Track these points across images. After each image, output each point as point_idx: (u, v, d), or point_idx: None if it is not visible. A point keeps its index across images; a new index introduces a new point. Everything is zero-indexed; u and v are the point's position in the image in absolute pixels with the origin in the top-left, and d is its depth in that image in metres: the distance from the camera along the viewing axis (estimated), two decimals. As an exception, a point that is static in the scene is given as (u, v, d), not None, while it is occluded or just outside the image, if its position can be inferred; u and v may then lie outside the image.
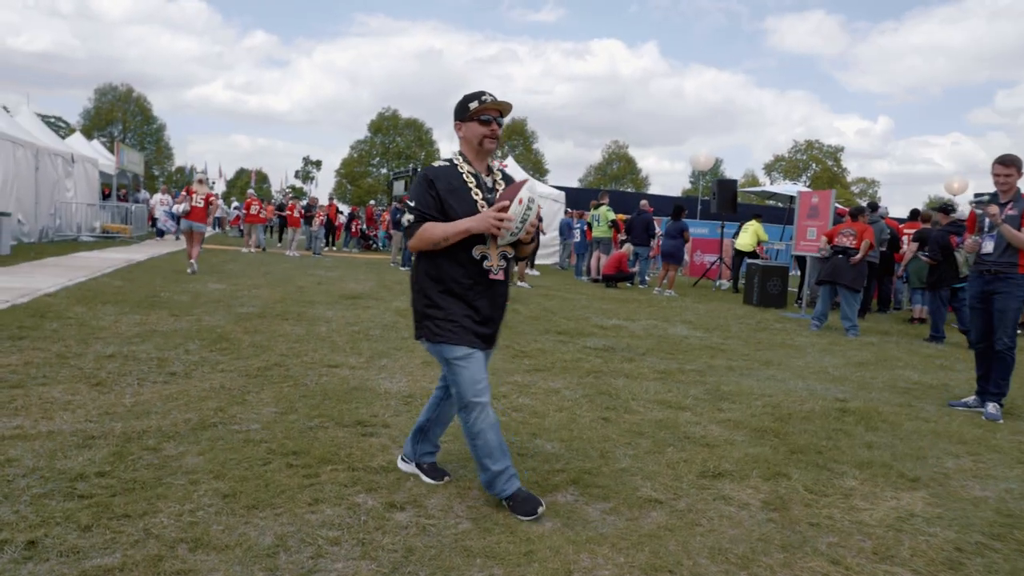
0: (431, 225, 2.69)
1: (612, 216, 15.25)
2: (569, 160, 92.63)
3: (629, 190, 56.38)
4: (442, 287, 2.76)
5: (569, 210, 20.22)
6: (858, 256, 9.03)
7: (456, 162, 2.83)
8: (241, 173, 66.76)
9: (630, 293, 13.33)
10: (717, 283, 15.78)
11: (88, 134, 39.27)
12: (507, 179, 2.94)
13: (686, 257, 16.64)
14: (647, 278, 15.30)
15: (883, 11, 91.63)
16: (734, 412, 4.65)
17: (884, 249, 11.37)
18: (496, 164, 3.00)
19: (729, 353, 7.10)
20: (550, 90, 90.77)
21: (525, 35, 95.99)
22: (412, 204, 2.74)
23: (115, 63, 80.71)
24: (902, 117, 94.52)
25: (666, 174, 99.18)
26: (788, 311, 11.61)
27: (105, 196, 23.84)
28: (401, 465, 3.19)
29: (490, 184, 2.84)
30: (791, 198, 16.71)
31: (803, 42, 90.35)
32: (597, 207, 15.41)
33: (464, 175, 2.78)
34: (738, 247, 15.01)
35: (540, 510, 2.72)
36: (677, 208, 14.13)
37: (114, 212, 22.85)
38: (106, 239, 19.50)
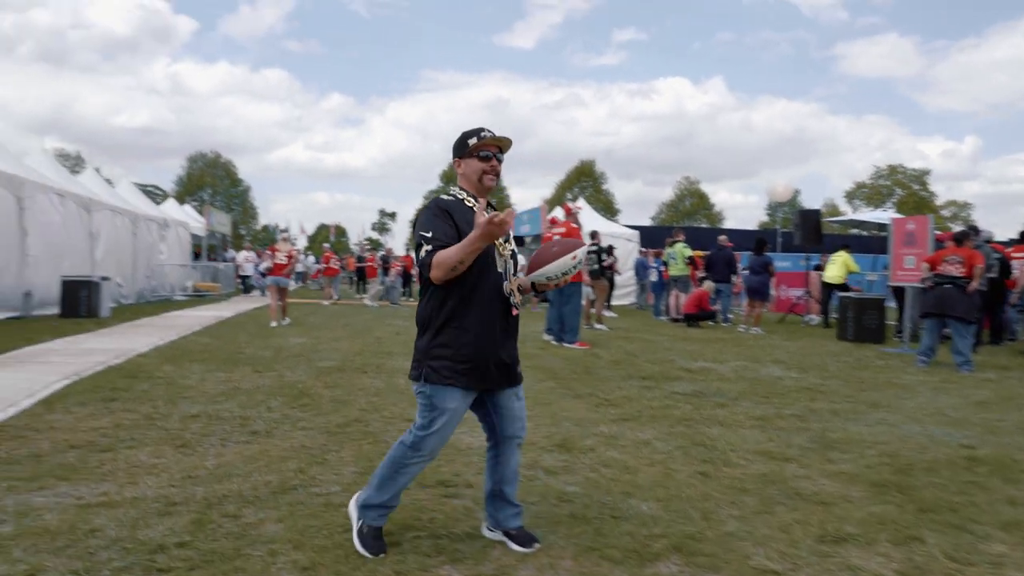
0: (445, 251, 2.55)
1: (688, 253, 14.82)
2: (638, 199, 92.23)
3: (703, 226, 55.27)
4: (457, 324, 2.64)
5: (644, 249, 19.86)
6: (973, 284, 8.31)
7: (461, 196, 2.75)
8: (321, 228, 69.42)
9: (714, 332, 12.80)
10: (805, 318, 14.99)
11: (181, 199, 41.84)
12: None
13: (772, 292, 15.95)
14: (730, 316, 14.70)
15: (962, 29, 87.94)
16: (846, 463, 4.22)
17: (994, 275, 10.50)
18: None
19: (830, 395, 6.58)
20: (616, 131, 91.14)
21: (589, 79, 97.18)
22: (429, 235, 2.58)
23: (206, 132, 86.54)
24: (991, 135, 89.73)
25: (739, 208, 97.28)
26: (888, 346, 10.83)
27: (196, 256, 25.15)
28: (486, 533, 2.98)
29: None
30: (881, 226, 15.83)
31: (876, 66, 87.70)
32: (672, 244, 15.02)
33: (475, 210, 2.60)
34: (826, 280, 14.25)
35: (381, 555, 2.69)
36: (759, 242, 13.60)
37: (204, 271, 24.03)
38: (197, 297, 20.45)
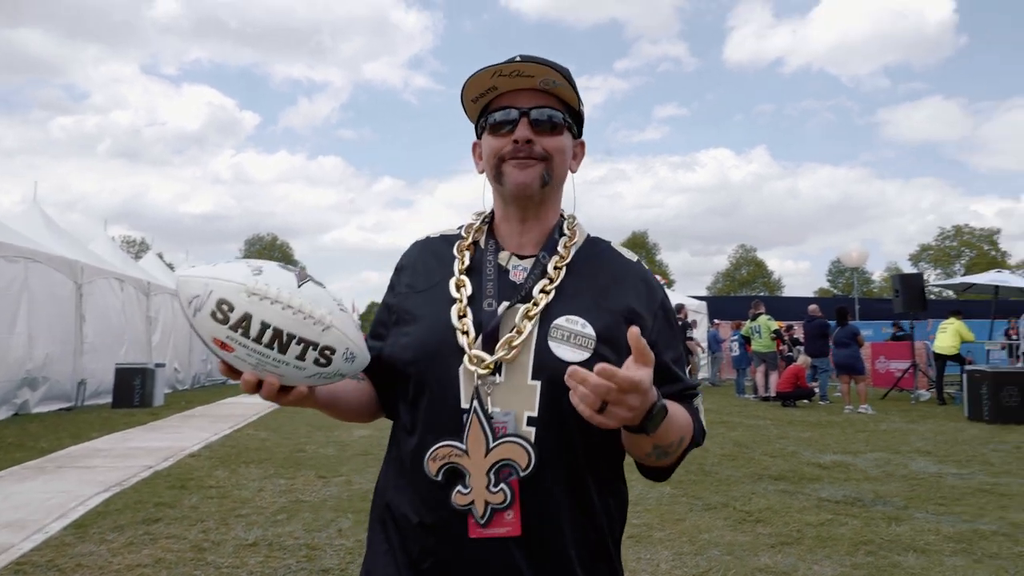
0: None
1: (775, 326, 13.57)
2: (687, 269, 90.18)
3: (762, 294, 53.39)
4: (381, 528, 1.26)
5: (717, 321, 18.64)
6: None
7: (471, 224, 1.35)
8: (372, 306, 69.88)
9: (818, 414, 11.40)
10: (914, 394, 13.41)
11: (238, 281, 42.40)
12: (600, 256, 1.29)
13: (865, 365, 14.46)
14: (826, 394, 13.26)
15: (1006, 89, 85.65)
16: None
17: None
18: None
19: (1018, 498, 5.28)
20: (661, 203, 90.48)
21: (632, 154, 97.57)
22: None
23: (264, 216, 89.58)
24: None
25: (791, 275, 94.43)
26: (1036, 428, 9.30)
27: (252, 339, 24.86)
28: None
29: (519, 276, 1.23)
30: (996, 288, 14.36)
31: (922, 129, 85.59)
32: (755, 317, 13.80)
33: (459, 251, 1.29)
34: (938, 350, 12.78)
35: None
36: (841, 312, 12.34)
37: (260, 353, 23.62)
38: (252, 381, 19.89)
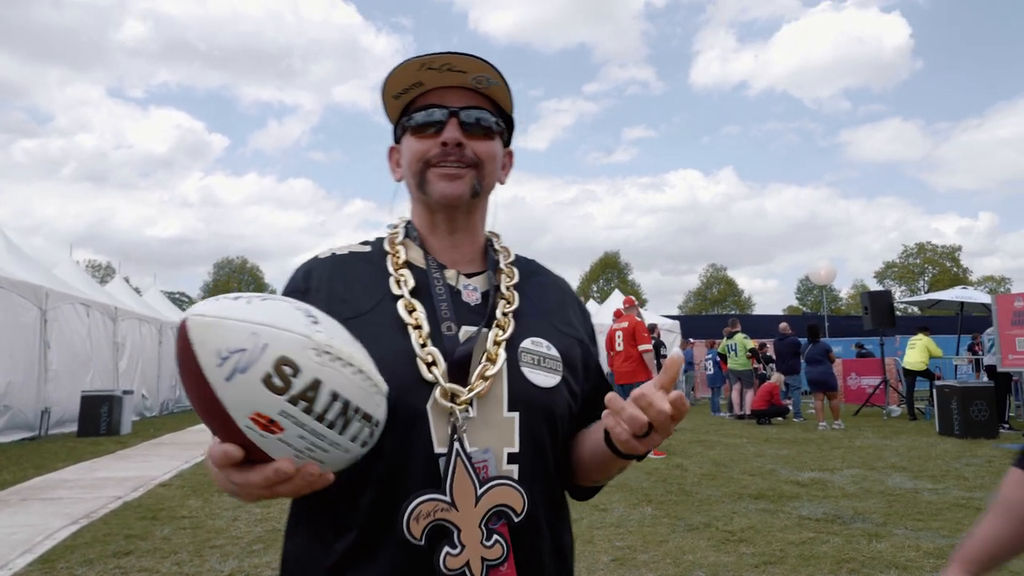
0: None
1: (751, 344, 13.71)
2: (657, 289, 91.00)
3: (732, 312, 54.02)
4: None
5: (692, 340, 18.78)
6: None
7: (380, 241, 1.18)
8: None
9: (793, 431, 11.50)
10: (886, 409, 13.61)
11: (208, 305, 41.72)
12: (532, 277, 1.20)
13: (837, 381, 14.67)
14: (800, 411, 13.40)
15: (963, 110, 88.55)
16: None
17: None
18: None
19: (995, 514, 5.36)
20: (631, 224, 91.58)
21: (602, 175, 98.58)
22: None
23: (233, 240, 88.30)
24: (1006, 210, 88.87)
25: (760, 293, 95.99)
26: (1006, 442, 9.48)
27: (222, 363, 24.38)
28: None
29: (472, 297, 1.10)
30: (961, 304, 14.70)
31: (883, 149, 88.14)
32: (731, 336, 13.95)
33: (395, 268, 1.10)
34: (907, 366, 13.01)
35: None
36: (813, 329, 12.55)
37: (230, 378, 23.17)
38: (223, 407, 19.50)
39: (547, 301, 1.16)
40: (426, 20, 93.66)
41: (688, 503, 5.83)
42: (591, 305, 21.17)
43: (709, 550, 4.46)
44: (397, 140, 1.17)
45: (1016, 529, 1.18)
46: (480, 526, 0.93)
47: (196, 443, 10.50)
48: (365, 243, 1.18)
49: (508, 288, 1.11)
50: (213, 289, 61.66)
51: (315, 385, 0.73)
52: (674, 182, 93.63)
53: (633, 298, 9.87)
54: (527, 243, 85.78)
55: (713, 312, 57.37)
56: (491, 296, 1.09)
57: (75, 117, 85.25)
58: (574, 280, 63.58)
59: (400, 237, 1.15)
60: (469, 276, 1.12)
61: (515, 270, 1.16)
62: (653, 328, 12.76)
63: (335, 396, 0.75)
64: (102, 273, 50.87)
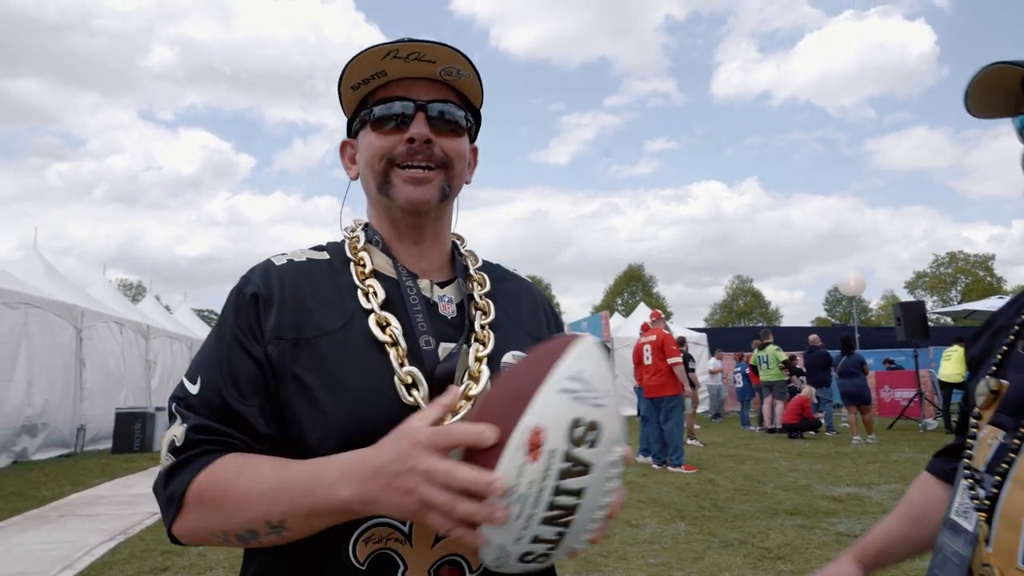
0: (234, 469, 0.85)
1: (783, 356, 13.51)
2: (682, 301, 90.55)
3: (760, 324, 53.37)
4: None
5: (720, 352, 18.57)
6: None
7: (326, 252, 1.06)
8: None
9: (826, 445, 11.29)
10: (922, 422, 13.32)
11: (236, 322, 42.25)
12: (498, 288, 1.10)
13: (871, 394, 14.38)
14: (832, 425, 13.16)
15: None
16: None
17: None
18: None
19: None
20: (655, 236, 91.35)
21: (625, 188, 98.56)
22: (190, 391, 0.91)
23: (260, 258, 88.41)
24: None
25: (787, 305, 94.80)
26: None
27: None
28: None
29: (448, 309, 1.01)
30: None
31: (910, 157, 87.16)
32: (763, 347, 13.77)
33: (361, 279, 0.99)
34: (943, 378, 12.73)
35: None
36: (846, 341, 12.31)
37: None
38: (252, 423, 19.70)
39: (519, 311, 1.09)
40: (448, 39, 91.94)
41: (722, 519, 5.75)
42: (616, 319, 21.07)
43: (746, 567, 4.39)
44: (353, 134, 1.07)
45: (910, 529, 1.18)
46: (430, 571, 0.86)
47: (227, 459, 10.61)
48: (319, 248, 1.05)
49: (481, 297, 1.04)
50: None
51: (588, 468, 0.72)
52: (697, 193, 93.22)
53: (660, 311, 9.80)
54: (550, 257, 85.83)
55: (739, 324, 56.76)
56: (466, 307, 1.01)
57: (107, 140, 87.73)
58: (598, 294, 63.42)
59: (361, 242, 1.03)
60: (441, 286, 1.03)
61: (486, 277, 1.08)
62: (682, 341, 12.65)
63: (581, 493, 0.72)
64: (133, 292, 51.80)
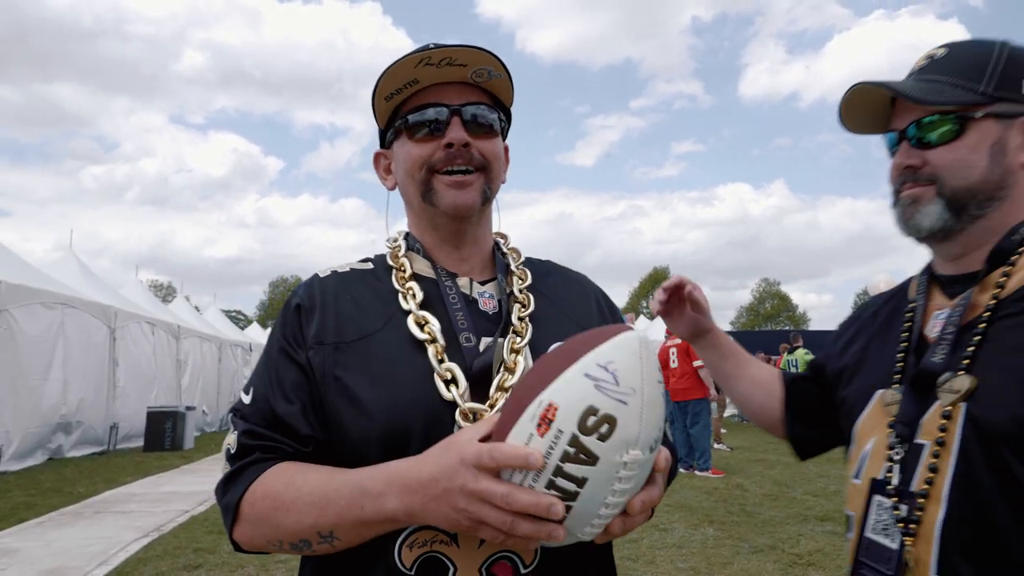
0: (284, 480, 0.89)
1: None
2: (710, 304, 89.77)
3: (787, 328, 52.68)
4: None
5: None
6: None
7: (371, 263, 1.10)
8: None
9: (855, 450, 11.12)
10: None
11: (263, 323, 42.83)
12: (544, 293, 1.08)
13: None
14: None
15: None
16: None
17: None
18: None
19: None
20: (680, 238, 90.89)
21: (651, 190, 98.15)
22: (246, 399, 0.98)
23: (288, 259, 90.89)
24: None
25: (815, 308, 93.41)
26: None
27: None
28: None
29: (489, 305, 1.03)
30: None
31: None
32: (792, 351, 13.61)
33: (400, 282, 1.02)
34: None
35: None
36: None
37: (286, 395, 23.64)
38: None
39: (565, 299, 1.08)
40: (474, 42, 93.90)
41: (751, 524, 5.69)
42: (641, 321, 20.94)
43: (777, 573, 4.34)
44: (387, 144, 1.08)
45: (740, 369, 1.48)
46: (480, 569, 0.85)
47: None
48: (365, 260, 1.10)
49: (521, 291, 1.04)
50: (269, 307, 63.27)
51: (593, 459, 0.70)
52: (723, 196, 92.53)
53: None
54: (575, 258, 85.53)
55: (766, 328, 56.09)
56: (504, 301, 1.01)
57: (139, 143, 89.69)
58: (623, 296, 63.11)
59: (403, 250, 1.06)
60: (483, 283, 1.05)
61: (527, 272, 1.09)
62: (707, 344, 12.56)
63: (582, 483, 0.71)
64: (164, 292, 52.77)
